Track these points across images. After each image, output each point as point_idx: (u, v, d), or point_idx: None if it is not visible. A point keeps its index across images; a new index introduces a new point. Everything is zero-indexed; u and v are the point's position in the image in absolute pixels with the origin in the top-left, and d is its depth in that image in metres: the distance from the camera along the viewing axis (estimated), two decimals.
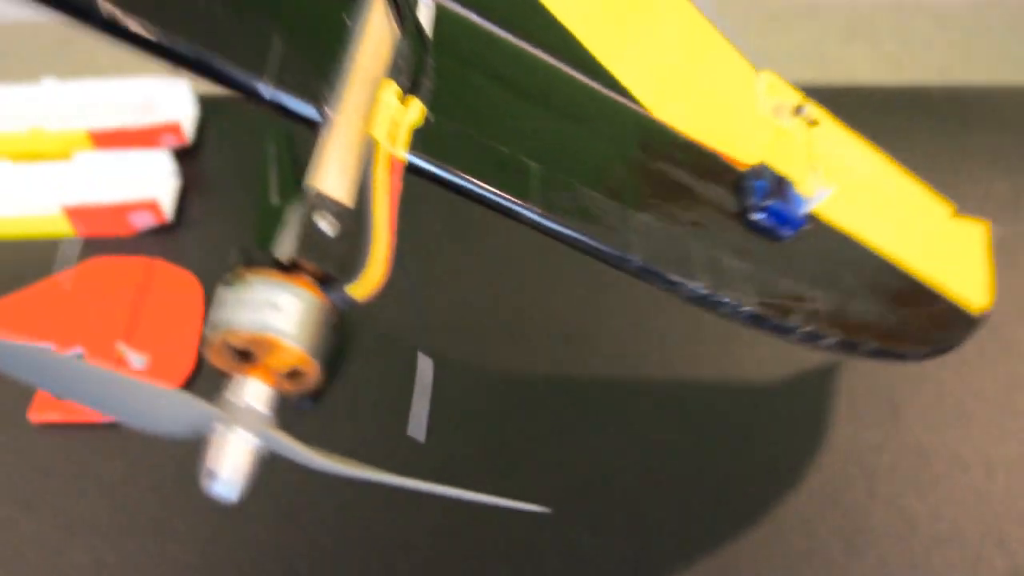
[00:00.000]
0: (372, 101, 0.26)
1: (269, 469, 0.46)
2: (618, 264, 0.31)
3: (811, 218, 0.37)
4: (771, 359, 0.50)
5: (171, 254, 0.54)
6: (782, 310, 0.35)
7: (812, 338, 0.36)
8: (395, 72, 0.27)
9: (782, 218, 0.35)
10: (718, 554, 0.43)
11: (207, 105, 0.62)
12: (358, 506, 0.45)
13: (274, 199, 0.54)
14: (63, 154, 0.57)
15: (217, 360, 0.23)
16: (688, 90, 0.36)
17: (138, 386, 0.21)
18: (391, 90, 0.26)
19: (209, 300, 0.52)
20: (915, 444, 0.47)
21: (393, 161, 0.25)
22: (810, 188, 0.37)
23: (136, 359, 0.48)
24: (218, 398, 0.23)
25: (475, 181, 0.28)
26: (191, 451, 0.47)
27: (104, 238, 0.55)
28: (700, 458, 0.47)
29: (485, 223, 0.56)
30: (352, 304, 0.24)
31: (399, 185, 0.25)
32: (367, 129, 0.25)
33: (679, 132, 0.35)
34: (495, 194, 0.28)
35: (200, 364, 0.50)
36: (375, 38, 0.27)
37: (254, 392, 0.23)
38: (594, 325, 0.52)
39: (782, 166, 0.37)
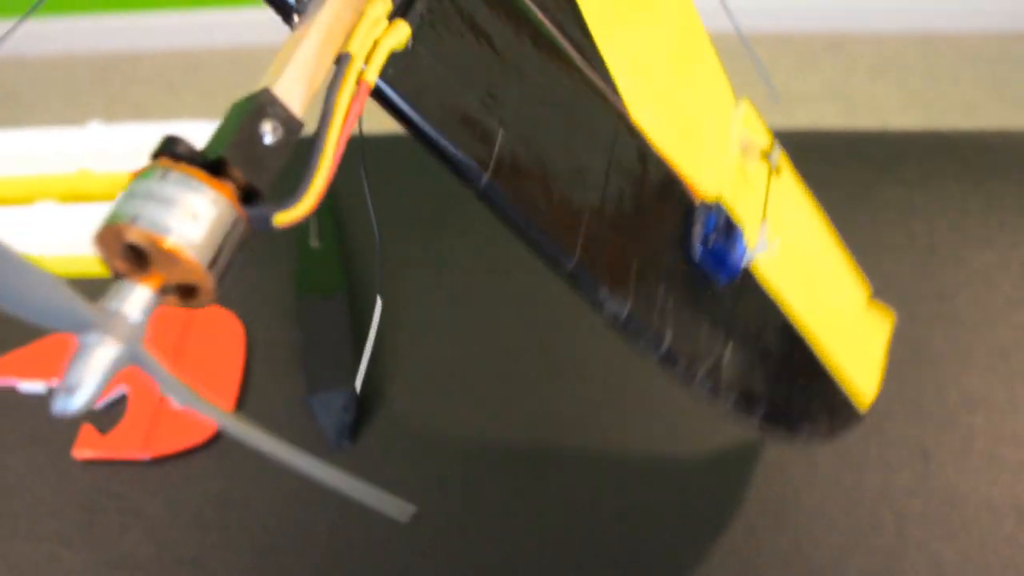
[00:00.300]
0: (357, 9, 0.23)
1: (311, 507, 0.47)
2: (553, 264, 0.29)
3: (745, 270, 0.35)
4: None
5: None
6: (693, 356, 0.34)
7: (712, 393, 0.35)
8: None
9: (722, 262, 0.34)
10: None
11: None
12: (401, 548, 0.46)
13: (313, 242, 0.56)
14: (109, 196, 0.59)
15: (105, 253, 0.20)
16: (669, 100, 0.34)
17: (16, 262, 0.18)
18: (382, 5, 0.24)
19: (250, 340, 0.53)
20: (946, 489, 0.47)
21: (361, 84, 0.23)
22: (755, 239, 0.35)
23: None
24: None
25: (437, 130, 0.26)
26: (230, 491, 0.48)
27: None
28: (729, 499, 0.47)
29: (521, 263, 0.57)
30: (270, 228, 0.21)
31: (359, 110, 0.23)
32: (344, 42, 0.23)
33: (650, 142, 0.32)
34: (454, 152, 0.26)
35: (240, 403, 0.51)
36: None
37: (137, 301, 0.19)
38: (623, 368, 0.52)
39: (736, 208, 0.35)
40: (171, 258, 0.19)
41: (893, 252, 0.58)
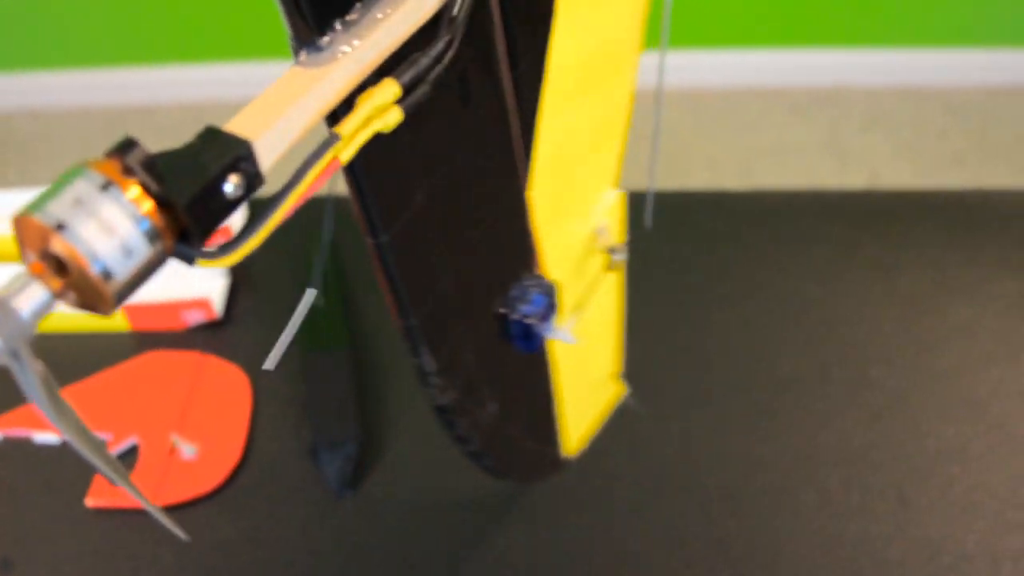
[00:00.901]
0: (362, 76, 0.22)
1: (315, 553, 0.48)
2: (397, 312, 0.31)
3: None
4: (785, 451, 0.52)
5: (220, 349, 0.58)
6: (464, 411, 0.36)
7: (460, 440, 0.37)
8: (406, 71, 0.23)
9: (527, 339, 0.35)
10: None
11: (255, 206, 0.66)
12: None
13: (319, 301, 0.58)
14: None
15: (21, 237, 0.18)
16: (566, 179, 0.35)
17: None
18: (391, 90, 0.23)
19: (257, 394, 0.56)
20: (923, 537, 0.49)
21: (334, 161, 0.22)
22: (563, 324, 0.36)
23: (187, 448, 0.52)
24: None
25: (370, 182, 0.26)
26: (237, 538, 0.50)
27: (158, 332, 0.59)
28: (717, 546, 0.49)
29: None
30: (190, 264, 0.20)
31: (321, 184, 0.22)
32: (335, 108, 0.22)
33: (531, 216, 0.33)
34: (374, 203, 0.27)
35: (247, 454, 0.53)
36: (414, 12, 0.23)
37: (32, 299, 0.18)
38: (618, 414, 0.54)
39: (564, 291, 0.36)
40: (90, 285, 0.18)
41: (875, 306, 0.60)
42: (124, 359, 0.58)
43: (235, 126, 0.20)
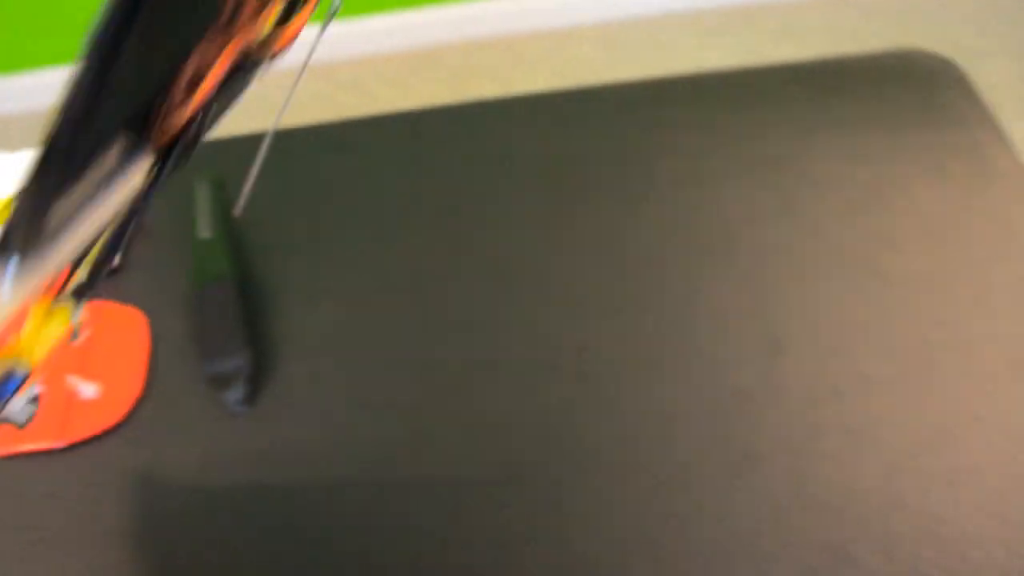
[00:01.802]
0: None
1: (217, 473, 0.50)
2: None
3: None
4: (662, 319, 0.54)
5: (118, 295, 0.59)
6: None
7: None
8: (77, 308, 0.26)
9: None
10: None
11: None
12: (306, 500, 0.49)
13: (203, 233, 0.59)
14: None
15: None
16: None
17: None
18: (63, 324, 0.26)
19: (155, 333, 0.57)
20: (797, 377, 0.51)
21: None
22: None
23: (87, 388, 0.53)
24: None
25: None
26: (140, 467, 0.51)
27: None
28: (594, 411, 0.51)
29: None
30: None
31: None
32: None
33: None
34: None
35: (148, 388, 0.54)
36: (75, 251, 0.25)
37: None
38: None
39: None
40: None
41: (740, 173, 0.62)
42: None
43: None
